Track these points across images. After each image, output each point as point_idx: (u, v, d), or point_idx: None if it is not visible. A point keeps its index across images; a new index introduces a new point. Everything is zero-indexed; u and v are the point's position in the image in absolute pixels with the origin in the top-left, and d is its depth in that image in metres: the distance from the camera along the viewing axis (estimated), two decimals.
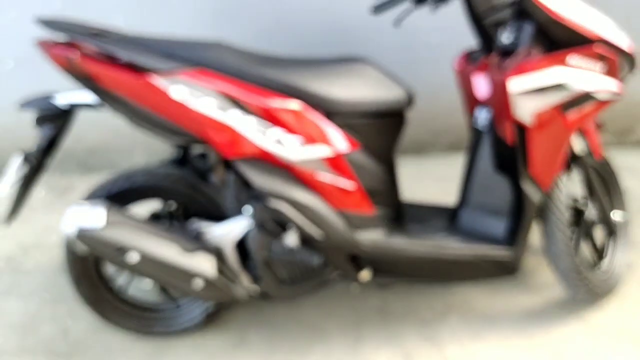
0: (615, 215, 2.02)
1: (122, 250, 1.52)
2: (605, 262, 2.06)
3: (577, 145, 1.82)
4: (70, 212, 1.56)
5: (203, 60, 1.52)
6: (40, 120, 1.58)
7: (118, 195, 1.72)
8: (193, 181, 1.75)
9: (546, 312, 1.98)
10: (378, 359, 1.80)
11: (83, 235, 1.51)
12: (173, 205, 1.82)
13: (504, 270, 1.81)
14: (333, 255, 1.66)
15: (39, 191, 3.02)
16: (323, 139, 1.56)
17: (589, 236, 2.00)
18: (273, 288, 1.70)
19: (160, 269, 1.56)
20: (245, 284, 1.68)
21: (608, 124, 3.16)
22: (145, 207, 1.83)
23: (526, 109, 1.60)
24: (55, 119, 1.60)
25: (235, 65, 1.54)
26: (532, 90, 1.57)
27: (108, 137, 3.09)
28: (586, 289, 1.87)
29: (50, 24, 1.51)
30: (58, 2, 2.81)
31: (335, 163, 1.58)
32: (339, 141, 1.59)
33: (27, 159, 1.62)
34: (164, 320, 1.88)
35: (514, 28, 1.65)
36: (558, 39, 1.60)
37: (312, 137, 1.55)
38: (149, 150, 3.02)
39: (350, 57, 1.72)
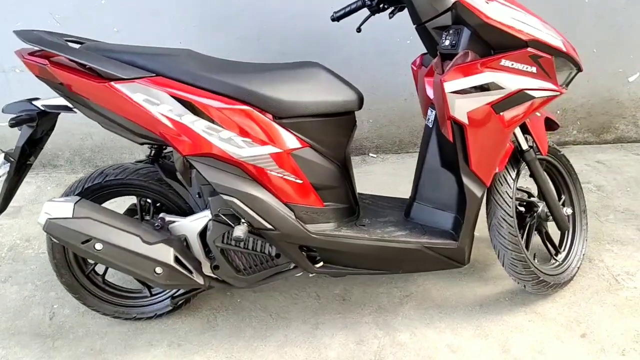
0: (567, 210, 2.09)
1: (86, 240, 1.68)
2: (562, 255, 2.14)
3: (523, 141, 1.90)
4: (45, 205, 1.73)
5: (161, 68, 1.66)
6: (14, 123, 1.74)
7: (93, 190, 1.89)
8: (161, 178, 1.90)
9: (499, 302, 2.07)
10: (332, 344, 1.92)
11: (50, 225, 1.68)
12: (146, 201, 1.98)
13: (452, 262, 1.91)
14: (284, 246, 1.79)
15: (47, 186, 3.25)
16: (270, 139, 1.69)
17: (542, 230, 2.09)
18: (231, 276, 1.84)
19: (123, 258, 1.71)
20: (206, 273, 1.82)
21: (586, 121, 3.24)
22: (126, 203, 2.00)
23: (461, 108, 1.69)
24: (31, 121, 1.77)
25: (191, 72, 1.67)
26: (466, 90, 1.67)
27: (112, 136, 3.27)
28: (535, 281, 1.96)
29: (24, 34, 1.66)
30: (69, 9, 3.00)
31: (282, 160, 1.71)
32: (286, 140, 1.71)
33: (6, 157, 1.79)
34: (138, 307, 2.04)
35: (454, 32, 1.75)
36: (492, 42, 1.69)
37: (260, 137, 1.68)
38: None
39: (303, 63, 1.84)
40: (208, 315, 2.09)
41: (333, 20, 2.04)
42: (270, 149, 1.69)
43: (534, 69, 1.70)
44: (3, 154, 1.81)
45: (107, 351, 1.94)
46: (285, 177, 1.73)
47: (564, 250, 2.17)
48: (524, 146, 1.90)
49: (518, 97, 1.71)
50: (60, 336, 2.03)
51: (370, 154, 3.34)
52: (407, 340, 1.92)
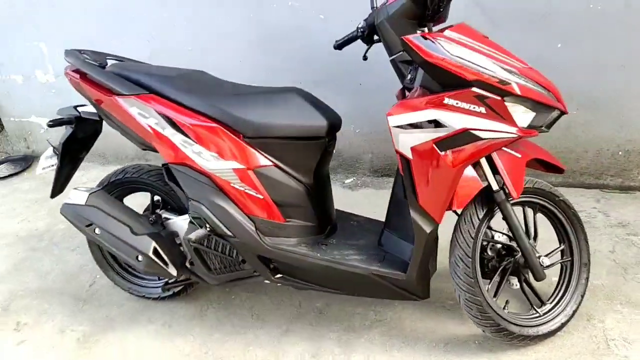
0: (543, 260, 1.94)
1: (88, 224, 2.05)
2: (545, 308, 2.01)
3: (493, 182, 1.83)
4: (70, 192, 2.14)
5: (155, 87, 1.96)
6: (52, 124, 2.17)
7: (116, 184, 2.27)
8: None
9: (466, 344, 2.02)
10: (291, 352, 2.07)
11: (64, 207, 2.08)
12: (160, 197, 2.31)
13: (406, 294, 1.92)
14: (244, 253, 1.98)
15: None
16: (235, 156, 1.89)
17: (522, 277, 1.98)
18: (203, 273, 2.09)
19: (114, 243, 2.05)
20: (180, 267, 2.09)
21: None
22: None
23: (405, 143, 1.72)
24: (69, 123, 2.19)
25: (178, 92, 1.94)
26: (409, 126, 1.69)
27: None
28: (493, 328, 1.88)
29: (68, 53, 2.08)
30: (155, 31, 3.50)
31: (244, 176, 1.90)
32: (251, 158, 1.90)
33: (54, 151, 2.24)
34: (147, 287, 2.39)
35: (414, 68, 1.77)
36: (438, 80, 1.68)
37: (226, 153, 1.89)
38: None
39: (284, 88, 2.01)
40: (202, 305, 2.36)
41: (335, 48, 2.15)
42: (234, 165, 1.89)
43: (482, 109, 1.66)
44: (53, 148, 2.26)
45: (117, 320, 2.32)
46: (246, 191, 1.92)
47: (551, 302, 2.02)
48: (494, 187, 1.83)
49: (463, 136, 1.67)
50: (90, 301, 2.46)
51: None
52: None
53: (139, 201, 2.35)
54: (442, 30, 1.74)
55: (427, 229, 1.81)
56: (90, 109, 2.16)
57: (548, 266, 1.98)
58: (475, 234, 1.86)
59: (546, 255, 2.02)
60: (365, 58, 2.15)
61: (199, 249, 2.05)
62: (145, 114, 1.94)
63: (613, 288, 2.19)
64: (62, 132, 2.21)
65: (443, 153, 1.70)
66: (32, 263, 2.80)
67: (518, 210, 1.99)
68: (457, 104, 1.66)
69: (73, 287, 2.57)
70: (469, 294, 1.86)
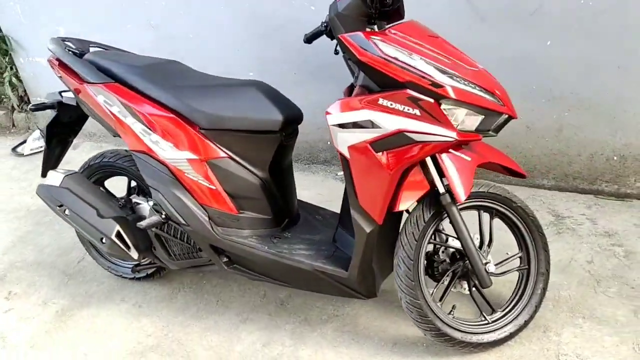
0: (489, 267, 1.88)
1: (60, 205, 2.17)
2: (495, 315, 1.96)
3: (439, 184, 1.78)
4: (49, 173, 2.27)
5: (121, 76, 2.04)
6: (33, 108, 2.29)
7: (95, 168, 2.37)
8: None
9: (414, 346, 2.01)
10: (245, 340, 2.13)
11: (39, 188, 2.21)
12: (133, 182, 2.40)
13: (351, 291, 1.93)
14: (197, 241, 2.04)
15: None
16: (189, 146, 1.94)
17: (471, 283, 1.94)
18: (164, 258, 2.17)
19: (81, 224, 2.16)
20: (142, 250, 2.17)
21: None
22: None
23: (343, 142, 1.71)
24: (51, 108, 2.30)
25: (141, 82, 2.01)
26: (346, 125, 1.68)
27: None
28: (434, 332, 1.86)
29: (51, 40, 2.19)
30: (159, 18, 3.57)
31: (197, 166, 1.95)
32: (205, 149, 1.94)
33: (42, 133, 2.37)
34: (123, 267, 2.50)
35: (355, 66, 1.75)
36: (374, 81, 1.66)
37: (181, 143, 1.94)
38: None
39: (247, 81, 2.03)
40: (174, 288, 2.45)
41: (305, 42, 2.15)
42: (188, 155, 1.95)
43: (416, 112, 1.62)
44: (40, 131, 2.39)
45: (94, 297, 2.45)
46: (200, 181, 1.97)
47: (502, 310, 1.97)
48: (440, 189, 1.79)
49: (397, 138, 1.65)
50: (75, 277, 2.61)
51: None
52: (306, 356, 2.02)
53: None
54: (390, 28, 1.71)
55: (367, 228, 1.80)
56: (71, 95, 2.27)
57: (501, 273, 1.94)
58: (419, 236, 1.83)
59: (500, 263, 1.97)
60: (336, 52, 2.14)
61: (160, 235, 2.13)
62: (109, 102, 2.01)
63: (580, 300, 2.11)
64: None
65: (379, 154, 1.68)
66: (34, 237, 2.98)
67: (474, 214, 1.95)
68: (391, 105, 1.63)
69: (64, 262, 2.72)
70: (409, 297, 1.85)
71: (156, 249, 2.18)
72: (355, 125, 1.68)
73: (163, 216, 2.06)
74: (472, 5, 2.49)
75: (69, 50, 2.17)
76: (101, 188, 2.43)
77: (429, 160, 1.77)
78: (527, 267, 1.99)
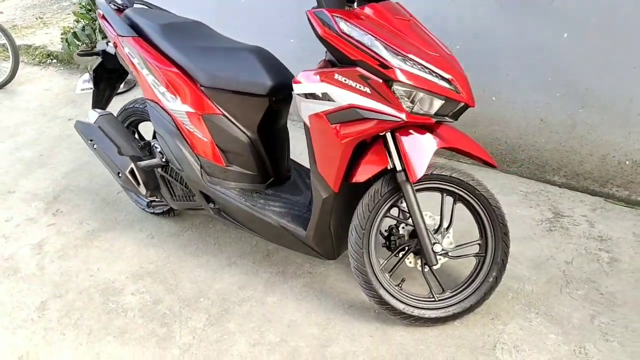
0: (436, 247, 1.94)
1: (90, 139, 2.51)
2: (444, 295, 2.04)
3: (397, 162, 1.86)
4: (89, 112, 2.62)
5: (145, 32, 2.30)
6: (79, 53, 2.64)
7: (129, 112, 2.70)
8: None
9: (367, 310, 2.16)
10: (224, 279, 2.39)
11: (76, 123, 2.57)
12: None
13: (312, 251, 2.10)
14: (191, 186, 2.29)
15: None
16: (189, 100, 2.17)
17: (423, 261, 2.02)
18: (167, 198, 2.46)
19: (104, 158, 2.50)
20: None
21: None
22: None
23: (304, 111, 1.85)
24: (96, 55, 2.63)
25: (159, 38, 2.26)
26: (307, 95, 1.81)
27: None
28: (377, 299, 1.99)
29: None
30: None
31: (194, 119, 2.18)
32: (201, 104, 2.16)
33: (90, 76, 2.71)
34: (145, 202, 2.83)
35: None
36: (334, 56, 1.76)
37: (183, 97, 2.18)
38: None
39: (251, 47, 2.21)
40: (183, 227, 2.76)
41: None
42: (187, 108, 2.19)
43: (367, 90, 1.71)
44: (89, 74, 2.74)
45: (120, 224, 2.83)
46: (195, 133, 2.20)
47: (452, 291, 2.04)
48: (397, 167, 1.87)
49: (349, 112, 1.75)
50: (111, 204, 3.01)
51: None
52: (270, 302, 2.24)
53: None
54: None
55: (323, 194, 1.94)
56: (112, 45, 2.58)
57: (457, 257, 2.04)
58: (373, 208, 1.94)
59: (459, 246, 2.03)
60: None
61: (165, 177, 2.41)
62: (132, 54, 2.30)
63: (541, 297, 2.11)
64: None
65: (333, 126, 1.80)
66: (90, 167, 3.42)
67: (435, 196, 2.01)
68: (345, 80, 1.74)
69: (106, 192, 3.13)
70: (356, 262, 1.98)
71: (161, 188, 2.47)
72: (314, 96, 1.81)
73: (163, 160, 2.33)
74: None
75: (113, 6, 2.47)
76: (134, 130, 2.76)
77: (389, 138, 1.86)
78: (484, 254, 2.03)
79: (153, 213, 2.83)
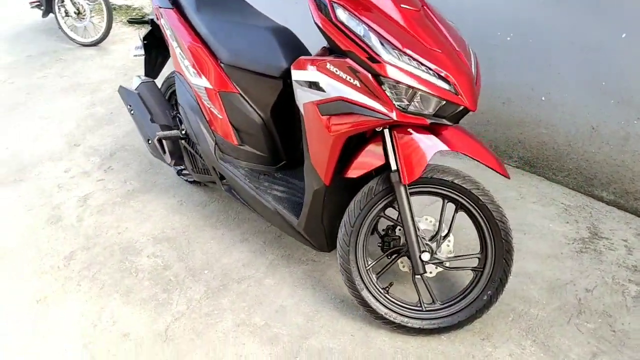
0: (424, 255, 1.80)
1: (129, 104, 2.63)
2: (433, 306, 1.94)
3: (392, 162, 1.75)
4: (133, 79, 2.73)
5: (180, 4, 2.34)
6: (129, 20, 2.73)
7: (170, 82, 2.78)
8: None
9: (357, 308, 2.08)
10: (233, 255, 2.44)
11: (119, 88, 2.69)
12: None
13: (306, 240, 2.06)
14: (205, 160, 2.33)
15: None
16: (208, 76, 2.19)
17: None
18: (190, 169, 2.52)
19: (138, 124, 2.60)
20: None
21: None
22: None
23: (300, 98, 1.80)
24: (144, 23, 2.72)
25: (190, 11, 2.29)
26: (301, 83, 1.75)
27: None
28: (359, 300, 1.94)
29: None
30: None
31: (211, 95, 2.20)
32: (219, 81, 2.18)
33: (141, 42, 2.83)
34: (177, 171, 2.93)
35: None
36: (330, 45, 1.67)
37: (203, 72, 2.20)
38: None
39: (277, 27, 2.17)
40: (211, 198, 2.85)
41: None
42: (206, 83, 2.21)
43: (357, 83, 1.61)
44: (140, 41, 2.86)
45: (157, 187, 2.99)
46: (211, 109, 2.22)
47: (442, 304, 1.92)
48: (392, 167, 1.76)
49: (339, 105, 1.67)
50: (155, 168, 3.17)
51: None
52: (268, 284, 2.27)
53: None
54: None
55: (315, 186, 1.88)
56: None
57: (453, 268, 1.93)
58: (364, 206, 1.86)
59: (456, 257, 1.90)
60: None
61: (187, 148, 2.47)
62: (166, 26, 2.36)
63: (544, 324, 1.93)
64: None
65: (324, 117, 1.73)
66: None
67: (437, 202, 1.89)
68: (336, 71, 1.66)
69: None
70: (342, 260, 1.92)
71: (185, 159, 2.53)
72: (308, 84, 1.75)
73: (183, 133, 2.39)
74: None
75: None
76: (176, 100, 2.85)
77: (386, 135, 1.75)
78: (481, 269, 1.88)
79: (186, 181, 2.93)
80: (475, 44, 2.55)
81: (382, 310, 1.92)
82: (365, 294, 1.92)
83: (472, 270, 1.92)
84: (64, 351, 2.04)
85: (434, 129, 1.74)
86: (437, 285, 2.12)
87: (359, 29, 1.60)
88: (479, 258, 1.90)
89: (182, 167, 2.78)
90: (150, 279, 2.35)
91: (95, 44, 5.20)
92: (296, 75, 1.79)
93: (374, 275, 1.96)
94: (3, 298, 2.31)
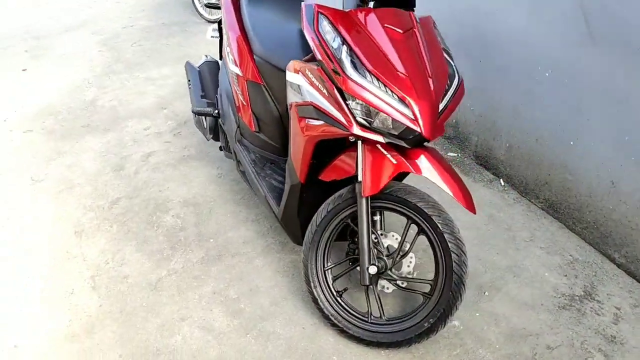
0: (371, 269, 1.83)
1: (188, 79, 2.92)
2: (379, 320, 1.99)
3: (360, 173, 1.81)
4: (202, 57, 3.03)
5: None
6: (207, 4, 3.01)
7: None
8: None
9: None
10: (238, 232, 2.64)
11: (186, 64, 3.00)
12: None
13: (284, 228, 2.19)
14: (229, 140, 2.54)
15: None
16: (241, 65, 2.39)
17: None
18: (223, 145, 2.75)
19: (193, 97, 2.89)
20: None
21: None
22: None
23: (288, 97, 1.92)
24: (218, 8, 2.99)
25: (245, 3, 2.49)
26: (290, 83, 1.87)
27: None
28: (311, 295, 2.04)
29: None
30: None
31: (240, 82, 2.40)
32: (248, 71, 2.37)
33: (218, 25, 3.11)
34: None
35: None
36: (310, 50, 1.77)
37: (238, 60, 2.41)
38: None
39: None
40: (223, 174, 3.09)
41: None
42: (238, 70, 2.42)
43: (325, 92, 1.70)
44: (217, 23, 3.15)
45: (207, 157, 3.30)
46: (239, 94, 2.43)
47: (386, 319, 1.97)
48: (359, 177, 1.82)
49: (309, 109, 1.77)
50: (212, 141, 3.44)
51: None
52: (255, 264, 2.45)
53: None
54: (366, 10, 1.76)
55: (291, 181, 2.01)
56: None
57: (404, 288, 1.99)
58: (331, 210, 1.95)
59: (410, 279, 1.92)
60: None
61: (221, 127, 2.71)
62: (223, 12, 2.59)
63: None
64: None
65: (300, 118, 1.84)
66: None
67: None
68: (312, 77, 1.77)
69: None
70: (304, 255, 2.04)
71: (219, 137, 2.77)
72: (293, 85, 1.87)
73: (215, 112, 2.62)
74: (586, 21, 2.04)
75: None
76: None
77: (359, 146, 1.82)
78: (430, 296, 1.88)
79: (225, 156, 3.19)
80: (519, 76, 2.48)
81: (329, 310, 2.01)
82: (317, 291, 2.02)
83: (422, 295, 1.93)
84: (77, 274, 2.41)
85: (404, 150, 1.77)
86: (397, 301, 2.16)
87: (335, 42, 1.68)
88: (430, 285, 1.90)
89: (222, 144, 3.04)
90: (165, 235, 2.64)
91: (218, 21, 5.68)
92: (288, 75, 1.93)
93: (330, 277, 2.05)
94: (50, 223, 2.75)
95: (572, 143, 2.27)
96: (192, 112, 2.74)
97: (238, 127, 2.50)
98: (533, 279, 2.20)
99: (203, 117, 2.84)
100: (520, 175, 2.64)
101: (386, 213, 2.00)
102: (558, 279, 2.21)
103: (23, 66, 4.92)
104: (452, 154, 3.15)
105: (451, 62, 1.85)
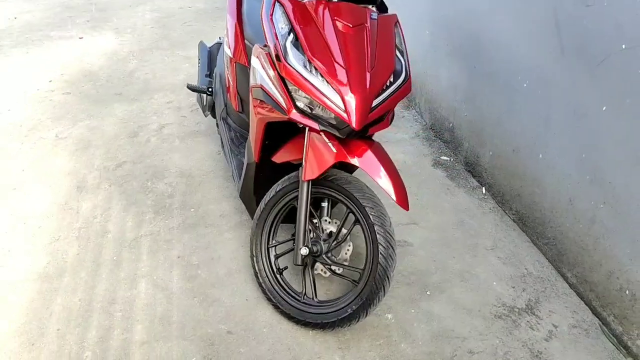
0: (303, 250, 1.91)
1: (199, 58, 3.10)
2: (309, 301, 2.07)
3: (303, 160, 1.90)
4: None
5: None
6: None
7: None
8: None
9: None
10: (227, 203, 2.78)
11: (199, 44, 3.18)
12: None
13: (244, 203, 2.32)
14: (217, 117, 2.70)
15: None
16: (232, 47, 2.53)
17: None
18: (216, 122, 2.91)
19: (198, 74, 3.06)
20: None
21: None
22: None
23: (251, 79, 2.03)
24: None
25: None
26: (253, 67, 1.98)
27: None
28: (253, 269, 2.14)
29: None
30: None
31: (229, 63, 2.54)
32: (238, 54, 2.50)
33: None
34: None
35: None
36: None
37: (231, 44, 2.55)
38: None
39: None
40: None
41: None
42: (229, 53, 2.55)
43: (271, 74, 1.80)
44: None
45: (209, 131, 3.41)
46: (228, 75, 2.57)
47: (317, 302, 2.03)
48: (303, 162, 1.91)
49: (259, 91, 1.88)
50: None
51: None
52: (224, 237, 2.58)
53: None
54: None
55: (248, 159, 2.13)
56: None
57: (336, 274, 2.09)
58: (279, 191, 2.05)
59: (345, 266, 1.99)
60: None
61: (214, 104, 2.86)
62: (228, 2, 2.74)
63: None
64: None
65: (254, 100, 1.95)
66: None
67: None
68: (263, 61, 1.86)
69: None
70: (252, 230, 2.15)
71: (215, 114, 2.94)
72: (253, 69, 1.98)
73: (209, 90, 2.77)
74: (558, 32, 1.99)
75: None
76: None
77: (306, 132, 1.91)
78: (357, 284, 1.94)
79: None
80: (504, 84, 2.46)
81: (267, 285, 2.11)
82: (259, 266, 2.13)
83: (351, 282, 1.99)
84: (67, 224, 2.64)
85: (347, 141, 1.85)
86: (338, 286, 2.24)
87: (283, 29, 1.78)
88: (360, 273, 1.96)
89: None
90: (153, 199, 2.84)
91: None
92: (252, 59, 2.04)
93: (273, 254, 2.15)
94: (58, 176, 3.01)
95: (540, 156, 2.24)
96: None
97: (225, 105, 2.64)
98: (479, 286, 2.21)
99: (204, 95, 3.00)
100: (499, 184, 2.62)
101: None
102: (504, 290, 2.20)
103: (81, 34, 5.32)
104: (444, 158, 3.15)
105: (402, 60, 1.89)
